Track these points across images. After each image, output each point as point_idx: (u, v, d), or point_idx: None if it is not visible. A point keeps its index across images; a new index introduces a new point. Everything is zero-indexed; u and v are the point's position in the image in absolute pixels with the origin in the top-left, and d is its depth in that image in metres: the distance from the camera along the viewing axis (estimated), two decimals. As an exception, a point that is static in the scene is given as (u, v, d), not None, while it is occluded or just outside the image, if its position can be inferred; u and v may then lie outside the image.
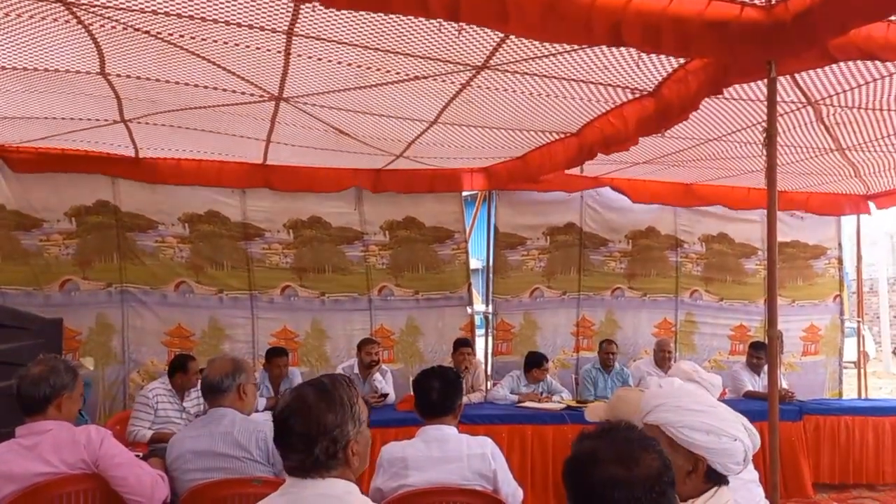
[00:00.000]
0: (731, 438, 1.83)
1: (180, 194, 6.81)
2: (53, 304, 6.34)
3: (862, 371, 8.34)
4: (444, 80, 4.16)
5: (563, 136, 5.47)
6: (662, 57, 3.81)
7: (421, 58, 3.83)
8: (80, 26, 3.52)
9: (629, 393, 2.17)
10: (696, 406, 1.88)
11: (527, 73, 4.10)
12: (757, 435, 1.95)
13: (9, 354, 4.67)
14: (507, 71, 4.05)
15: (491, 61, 3.90)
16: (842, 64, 3.86)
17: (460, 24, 3.20)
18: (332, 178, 6.97)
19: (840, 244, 8.77)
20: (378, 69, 3.99)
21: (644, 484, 1.40)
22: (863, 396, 8.29)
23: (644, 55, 3.76)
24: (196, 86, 4.35)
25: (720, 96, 4.28)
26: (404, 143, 5.25)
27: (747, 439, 1.87)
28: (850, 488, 6.26)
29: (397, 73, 4.04)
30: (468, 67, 4.00)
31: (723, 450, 1.82)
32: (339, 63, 3.93)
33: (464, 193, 7.84)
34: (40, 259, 6.44)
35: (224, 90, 4.39)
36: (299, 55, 3.84)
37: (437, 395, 3.04)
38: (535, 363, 6.62)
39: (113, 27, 3.54)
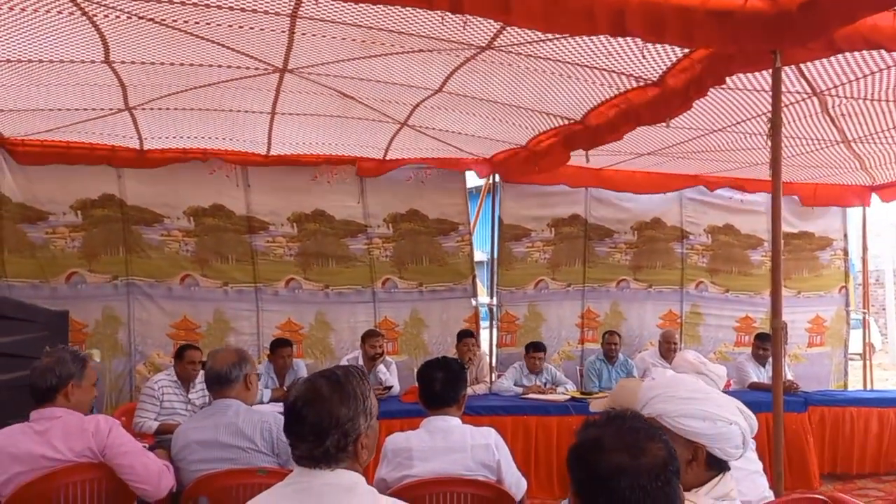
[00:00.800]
0: (727, 423, 1.83)
1: (185, 188, 6.83)
2: (60, 296, 6.37)
3: (867, 362, 8.31)
4: (448, 54, 4.16)
5: (567, 122, 5.45)
6: (667, 46, 3.80)
7: (425, 37, 3.84)
8: (83, 17, 3.53)
9: (630, 382, 2.16)
10: (689, 394, 1.88)
11: (531, 56, 4.10)
12: (753, 417, 1.95)
13: (15, 346, 4.70)
14: (511, 52, 4.05)
15: (495, 43, 3.90)
16: (847, 54, 3.84)
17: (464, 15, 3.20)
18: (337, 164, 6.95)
19: (846, 235, 8.75)
20: (383, 44, 3.99)
21: (650, 473, 1.39)
22: (868, 388, 8.28)
23: (648, 45, 3.75)
24: (201, 65, 4.35)
25: (724, 87, 4.27)
26: (409, 105, 5.22)
27: (744, 422, 1.87)
28: (854, 479, 6.26)
29: (402, 47, 4.04)
30: (472, 48, 4.00)
31: (720, 434, 1.82)
32: (344, 39, 3.93)
33: (468, 186, 7.83)
34: (46, 252, 6.47)
35: (229, 67, 4.39)
36: (303, 34, 3.84)
37: (441, 386, 3.04)
38: (526, 350, 6.72)
39: (117, 17, 3.55)
